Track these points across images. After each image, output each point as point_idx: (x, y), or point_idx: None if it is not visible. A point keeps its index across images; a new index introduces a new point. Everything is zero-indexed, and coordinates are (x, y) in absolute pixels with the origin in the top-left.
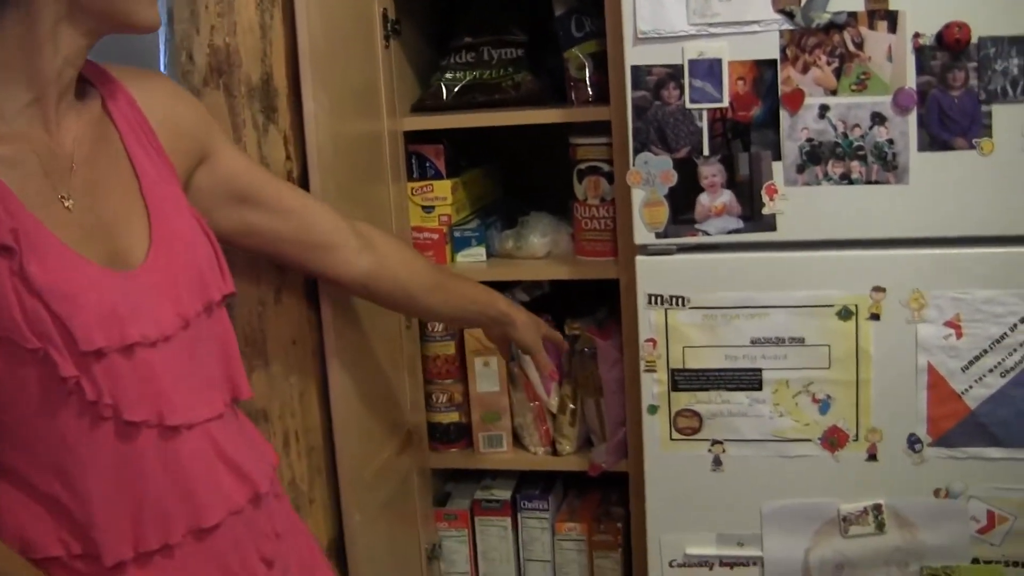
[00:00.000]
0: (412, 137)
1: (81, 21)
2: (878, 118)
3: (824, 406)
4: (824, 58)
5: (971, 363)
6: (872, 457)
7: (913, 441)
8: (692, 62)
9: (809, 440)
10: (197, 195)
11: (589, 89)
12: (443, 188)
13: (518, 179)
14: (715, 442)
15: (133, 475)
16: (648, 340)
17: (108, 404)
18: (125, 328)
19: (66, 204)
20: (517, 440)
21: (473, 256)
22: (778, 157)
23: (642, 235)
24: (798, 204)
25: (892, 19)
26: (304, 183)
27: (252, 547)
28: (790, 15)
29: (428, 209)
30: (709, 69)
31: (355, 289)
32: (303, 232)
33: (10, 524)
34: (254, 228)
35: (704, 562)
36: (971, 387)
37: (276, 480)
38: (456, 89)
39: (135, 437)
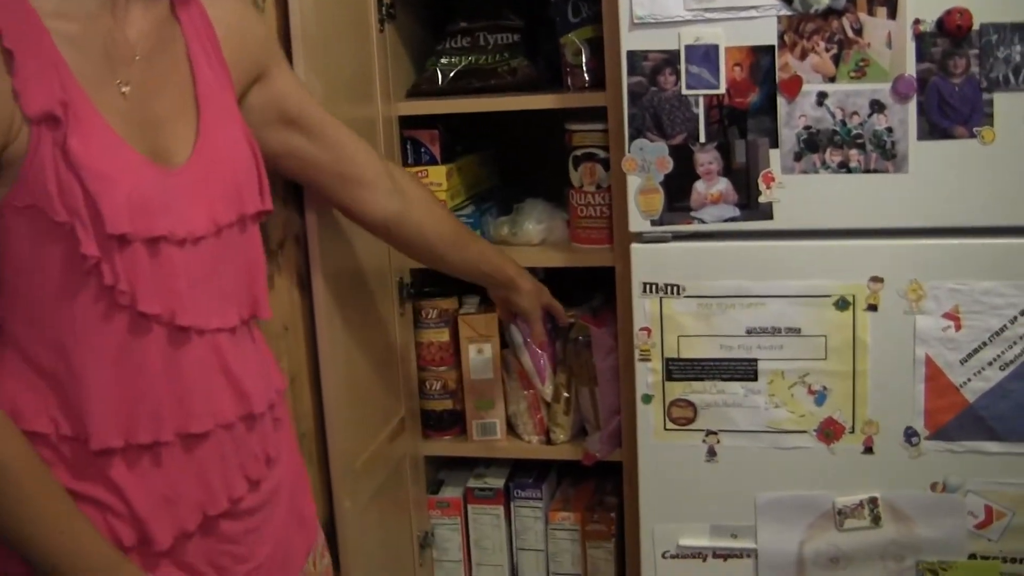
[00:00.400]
0: (407, 122)
1: None
2: (877, 106)
3: (820, 397)
4: (822, 44)
5: (970, 355)
6: (868, 450)
7: (910, 434)
8: (688, 48)
9: (804, 432)
10: (248, 112)
11: (585, 75)
12: (438, 174)
13: (514, 165)
14: (709, 432)
15: (134, 368)
16: (642, 329)
17: (124, 291)
18: (154, 220)
19: (123, 90)
20: (511, 428)
21: None
22: (775, 145)
23: (637, 223)
24: (795, 192)
25: (892, 5)
26: None
27: (237, 464)
28: (788, 0)
29: None
30: (705, 55)
31: (378, 230)
32: (341, 164)
33: (5, 389)
34: (295, 151)
35: (697, 553)
36: (969, 380)
37: (280, 406)
38: (452, 74)
39: (144, 332)
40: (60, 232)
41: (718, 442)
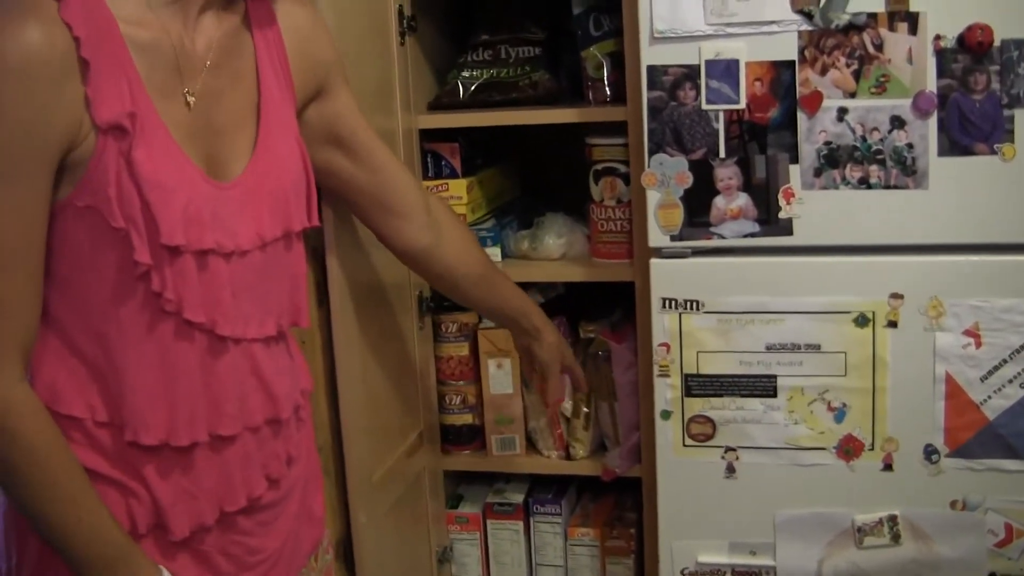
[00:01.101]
0: (428, 135)
1: None
2: (897, 121)
3: (840, 414)
4: (843, 60)
5: (990, 373)
6: (888, 467)
7: (930, 451)
8: (709, 62)
9: (824, 448)
10: (302, 125)
11: (607, 89)
12: (459, 187)
13: (535, 178)
14: (728, 449)
15: (174, 372)
16: (662, 344)
17: (170, 299)
18: (204, 233)
19: (188, 99)
20: (530, 443)
21: None
22: (795, 160)
23: (657, 238)
24: (815, 208)
25: (913, 21)
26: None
27: (259, 464)
28: (809, 15)
29: None
30: (726, 69)
31: (407, 259)
32: (380, 191)
33: (46, 371)
34: (338, 172)
35: (716, 570)
36: (990, 397)
37: (304, 406)
38: (473, 87)
39: (187, 339)
40: (116, 237)
41: (737, 459)
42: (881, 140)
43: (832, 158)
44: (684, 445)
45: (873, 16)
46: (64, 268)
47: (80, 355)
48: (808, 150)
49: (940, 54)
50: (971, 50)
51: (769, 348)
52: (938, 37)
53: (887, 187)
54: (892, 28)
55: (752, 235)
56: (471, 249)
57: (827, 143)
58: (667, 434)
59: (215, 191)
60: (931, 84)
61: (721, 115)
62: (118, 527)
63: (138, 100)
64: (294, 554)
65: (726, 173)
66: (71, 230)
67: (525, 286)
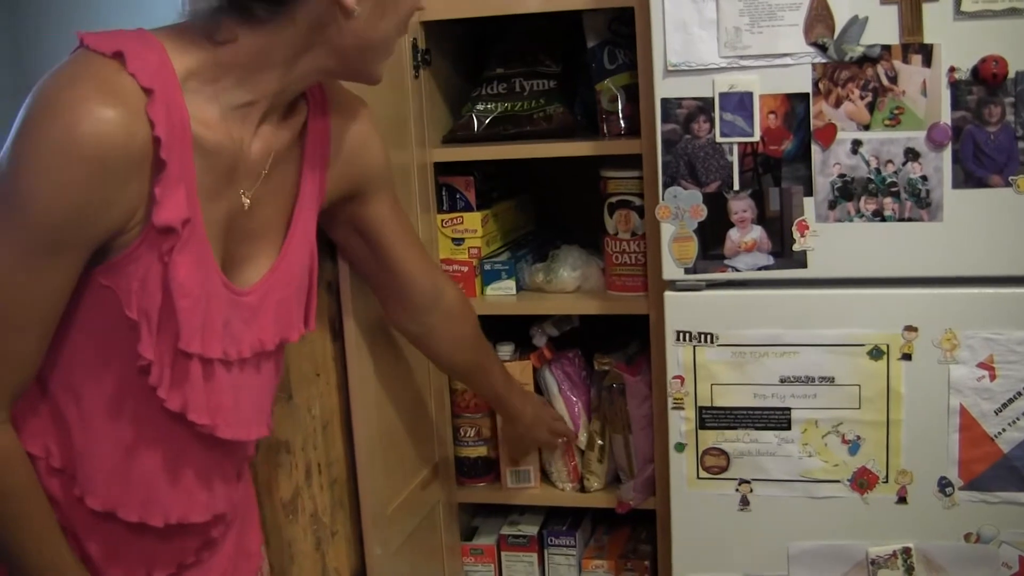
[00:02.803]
0: (442, 168)
1: (326, 61)
2: (912, 154)
3: (854, 447)
4: (857, 92)
5: (1005, 405)
6: (902, 499)
7: (944, 484)
8: (723, 95)
9: (838, 481)
10: (331, 206)
11: (621, 121)
12: (473, 220)
13: (550, 211)
14: (742, 481)
15: (139, 458)
16: (676, 377)
17: (163, 397)
18: (215, 342)
19: (244, 201)
20: (545, 476)
21: (503, 289)
22: (809, 193)
23: (671, 270)
24: (829, 241)
25: (927, 53)
26: None
27: (192, 539)
28: (823, 48)
29: (458, 241)
30: (740, 102)
31: (401, 334)
32: (390, 282)
33: (16, 407)
34: (355, 254)
35: None
36: (1004, 430)
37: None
38: (487, 120)
39: (180, 437)
40: (127, 324)
41: (751, 491)
42: (895, 172)
43: (846, 191)
44: (698, 478)
45: (887, 48)
46: (73, 329)
47: (51, 403)
48: (822, 183)
49: (954, 86)
50: (985, 82)
51: (783, 381)
52: (952, 69)
53: (901, 219)
54: (906, 60)
55: (766, 268)
56: (462, 349)
57: (841, 176)
58: (681, 466)
59: (232, 298)
60: (945, 116)
61: (735, 148)
62: (77, 561)
63: (192, 205)
64: None
65: (740, 206)
66: (86, 297)
67: (540, 319)
